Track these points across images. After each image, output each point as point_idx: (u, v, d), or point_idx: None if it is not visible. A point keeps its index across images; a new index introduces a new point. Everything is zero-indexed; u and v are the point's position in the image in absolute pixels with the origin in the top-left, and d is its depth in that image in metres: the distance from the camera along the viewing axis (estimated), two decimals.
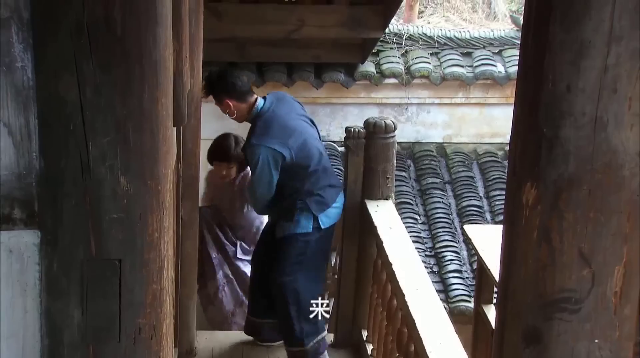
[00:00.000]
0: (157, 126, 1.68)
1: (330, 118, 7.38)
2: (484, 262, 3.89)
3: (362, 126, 4.52)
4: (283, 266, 4.52)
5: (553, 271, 1.78)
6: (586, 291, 1.79)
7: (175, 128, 2.98)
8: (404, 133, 7.26)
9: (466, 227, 3.76)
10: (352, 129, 4.52)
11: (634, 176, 1.75)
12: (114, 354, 1.70)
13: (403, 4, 7.61)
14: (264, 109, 4.46)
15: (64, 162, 1.63)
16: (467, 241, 4.91)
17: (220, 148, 5.38)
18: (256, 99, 4.52)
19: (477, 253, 4.12)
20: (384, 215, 4.42)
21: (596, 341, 1.82)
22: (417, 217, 6.84)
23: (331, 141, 7.36)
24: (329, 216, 4.54)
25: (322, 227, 4.48)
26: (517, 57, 7.84)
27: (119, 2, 1.58)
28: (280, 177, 4.39)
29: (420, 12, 12.17)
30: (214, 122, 6.93)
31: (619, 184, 1.74)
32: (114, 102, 1.62)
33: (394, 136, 4.45)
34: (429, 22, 11.96)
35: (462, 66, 7.28)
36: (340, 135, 7.38)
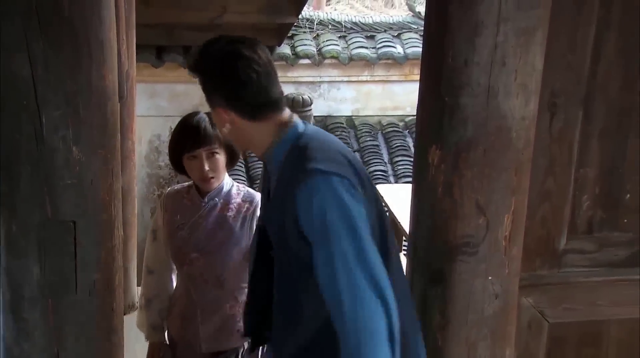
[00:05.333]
0: (104, 100, 1.65)
1: None
2: (395, 216, 3.95)
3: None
4: None
5: (455, 220, 1.84)
6: (482, 236, 1.86)
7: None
8: (318, 108, 7.26)
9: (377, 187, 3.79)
10: None
11: (519, 138, 1.82)
12: (72, 306, 1.69)
13: None
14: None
15: (18, 134, 1.60)
16: None
17: (191, 127, 2.49)
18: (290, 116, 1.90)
19: (388, 209, 4.18)
20: None
21: (490, 278, 1.90)
22: None
23: None
24: None
25: None
26: (414, 40, 7.82)
27: None
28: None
29: (328, 0, 12.14)
30: (144, 100, 6.83)
31: (507, 144, 1.81)
32: (64, 78, 1.59)
33: (310, 110, 4.49)
34: (336, 9, 11.94)
35: (366, 48, 7.32)
36: None
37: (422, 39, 7.06)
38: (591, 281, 2.10)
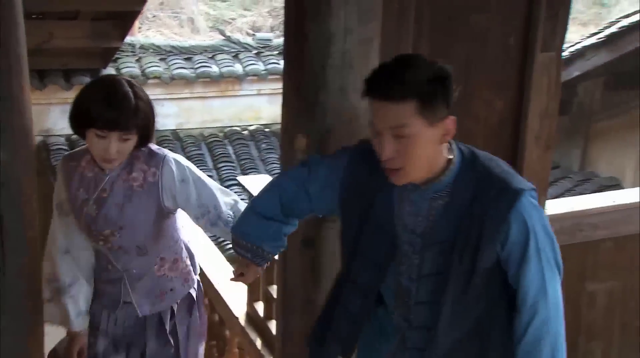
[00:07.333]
0: (23, 107, 1.70)
1: None
2: None
3: None
4: None
5: None
6: None
7: None
8: None
9: (240, 178, 3.09)
10: None
11: (366, 125, 2.07)
12: (2, 286, 1.70)
13: None
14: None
15: None
16: None
17: (112, 99, 2.03)
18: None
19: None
20: None
21: None
22: None
23: None
24: None
25: None
26: (227, 60, 7.99)
27: None
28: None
29: (139, 27, 11.98)
30: None
31: (358, 131, 2.04)
32: None
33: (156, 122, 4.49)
34: (147, 36, 11.85)
35: (185, 68, 7.39)
36: None
37: (233, 59, 7.26)
38: None
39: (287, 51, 2.07)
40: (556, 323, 1.66)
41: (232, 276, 2.07)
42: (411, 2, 2.19)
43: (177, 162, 2.21)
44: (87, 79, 6.96)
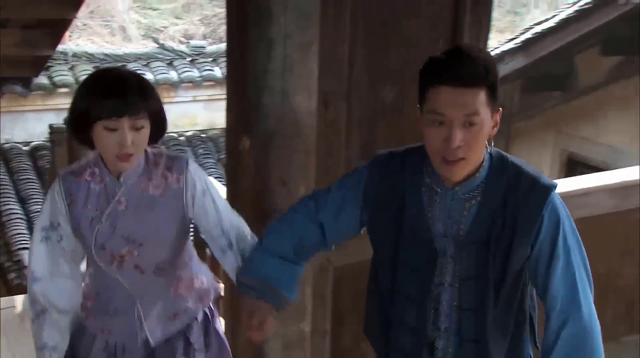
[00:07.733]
0: None
1: (12, 124, 6.94)
2: None
3: (63, 122, 4.44)
4: None
5: (266, 193, 2.08)
6: (286, 204, 2.11)
7: None
8: None
9: None
10: (55, 126, 4.40)
11: (307, 127, 2.11)
12: None
13: None
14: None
15: None
16: None
17: (115, 84, 1.71)
18: None
19: None
20: None
21: None
22: None
23: (16, 142, 6.93)
24: None
25: None
26: (162, 68, 7.91)
27: None
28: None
29: (70, 36, 11.68)
30: None
31: (299, 132, 2.09)
32: None
33: None
34: (78, 44, 11.55)
35: None
36: (23, 137, 7.00)
37: (168, 66, 7.18)
38: None
39: (230, 56, 2.09)
40: (591, 336, 1.57)
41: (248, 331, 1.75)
42: (346, 7, 2.24)
43: (199, 168, 1.92)
44: (17, 88, 6.76)
